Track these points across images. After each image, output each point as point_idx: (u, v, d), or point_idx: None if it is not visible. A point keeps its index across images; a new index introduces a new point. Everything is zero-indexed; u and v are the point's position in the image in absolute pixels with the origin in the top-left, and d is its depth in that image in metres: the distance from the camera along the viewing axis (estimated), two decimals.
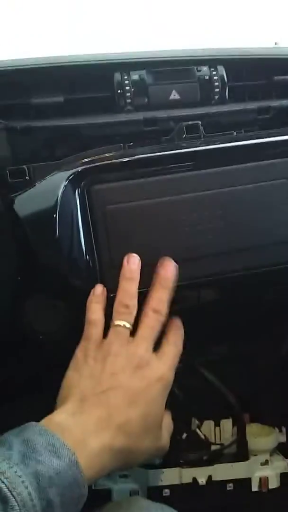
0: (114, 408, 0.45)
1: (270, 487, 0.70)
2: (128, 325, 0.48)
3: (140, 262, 0.50)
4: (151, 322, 0.49)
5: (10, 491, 0.37)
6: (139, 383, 0.46)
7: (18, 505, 0.37)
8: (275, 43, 0.98)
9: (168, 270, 0.50)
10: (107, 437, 0.44)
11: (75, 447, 0.42)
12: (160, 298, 0.50)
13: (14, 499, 0.37)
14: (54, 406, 0.47)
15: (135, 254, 0.50)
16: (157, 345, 0.50)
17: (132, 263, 0.50)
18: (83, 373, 0.47)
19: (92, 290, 0.50)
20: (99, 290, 0.50)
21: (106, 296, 0.50)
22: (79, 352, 0.49)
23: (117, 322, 0.48)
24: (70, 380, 0.48)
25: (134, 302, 0.49)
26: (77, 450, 0.41)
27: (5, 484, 0.37)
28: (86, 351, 0.48)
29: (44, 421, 0.44)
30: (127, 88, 0.62)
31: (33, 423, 0.43)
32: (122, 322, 0.48)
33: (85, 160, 0.53)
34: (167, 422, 0.51)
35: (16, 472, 0.38)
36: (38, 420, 0.44)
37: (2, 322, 0.56)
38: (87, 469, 0.42)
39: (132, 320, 0.49)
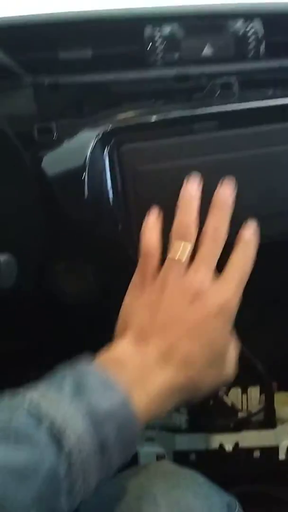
0: (174, 342, 0.42)
1: None
2: (184, 255, 0.44)
3: (200, 188, 0.46)
4: (208, 246, 0.45)
5: (64, 426, 0.35)
6: (196, 315, 0.43)
7: (72, 440, 0.34)
8: None
9: (225, 191, 0.46)
10: (170, 373, 0.41)
11: (134, 384, 0.39)
12: (218, 220, 0.45)
13: (68, 434, 0.34)
14: None
15: (192, 182, 0.47)
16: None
17: (189, 190, 0.46)
18: (141, 302, 0.44)
19: (146, 216, 0.47)
20: (154, 215, 0.47)
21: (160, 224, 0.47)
22: (136, 280, 0.46)
23: (172, 253, 0.45)
24: (127, 309, 0.45)
25: (191, 231, 0.45)
26: (137, 387, 0.39)
27: (58, 418, 0.35)
28: (143, 281, 0.45)
29: (101, 356, 0.41)
30: (158, 42, 0.59)
31: (87, 359, 0.40)
32: (178, 253, 0.45)
33: (115, 118, 0.52)
34: (231, 352, 0.47)
35: (69, 406, 0.36)
36: None
37: (31, 286, 0.55)
38: (146, 408, 0.39)
39: (188, 250, 0.45)
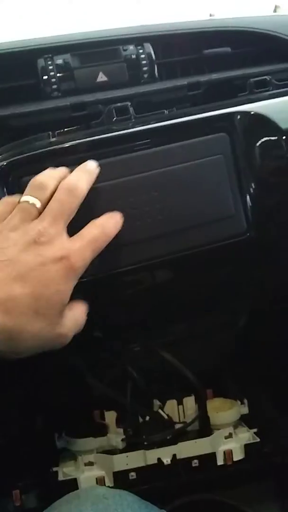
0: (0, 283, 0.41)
1: (235, 459, 0.71)
2: (37, 204, 0.44)
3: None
4: (63, 197, 0.44)
5: None
6: (32, 259, 0.42)
7: None
8: (210, 15, 0.97)
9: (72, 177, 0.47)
10: None
11: None
12: (78, 176, 0.46)
13: None
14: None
15: None
16: None
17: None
18: None
19: None
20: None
21: None
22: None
23: (25, 198, 0.44)
24: None
25: (52, 184, 0.45)
26: None
27: None
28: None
29: None
30: (52, 73, 0.60)
31: None
32: (31, 199, 0.44)
33: (10, 152, 0.52)
34: (76, 314, 0.46)
35: None
36: None
37: None
38: None
39: (43, 201, 0.44)
